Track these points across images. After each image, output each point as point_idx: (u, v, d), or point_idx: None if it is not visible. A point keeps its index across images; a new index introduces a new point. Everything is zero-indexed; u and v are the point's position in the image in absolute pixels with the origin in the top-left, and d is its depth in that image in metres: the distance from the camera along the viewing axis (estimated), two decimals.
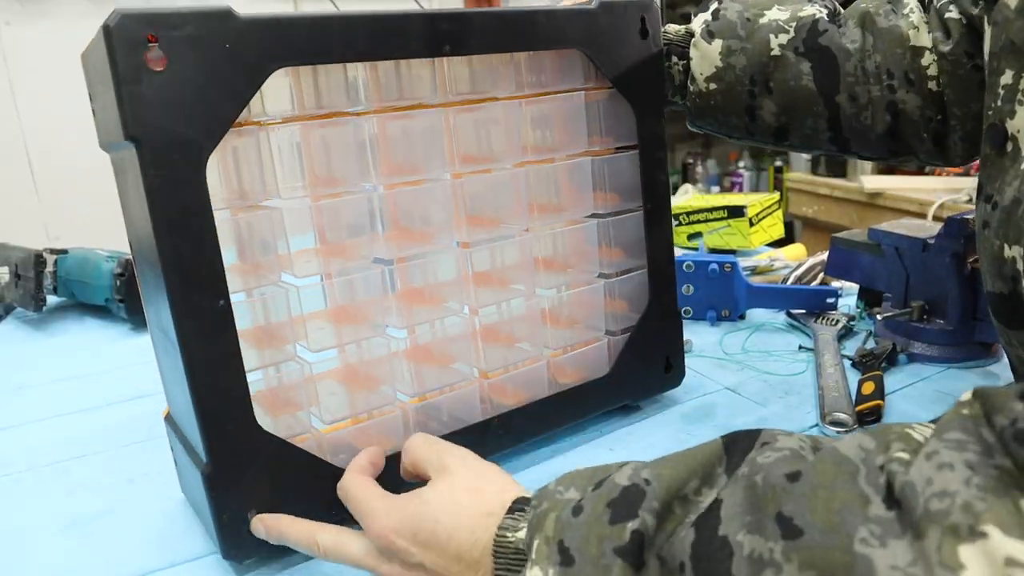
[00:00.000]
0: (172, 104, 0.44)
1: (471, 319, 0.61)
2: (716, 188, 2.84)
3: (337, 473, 0.51)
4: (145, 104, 0.43)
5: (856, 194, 2.03)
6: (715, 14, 0.68)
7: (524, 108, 0.60)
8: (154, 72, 0.43)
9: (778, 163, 2.77)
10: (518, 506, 0.42)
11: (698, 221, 1.17)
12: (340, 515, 0.50)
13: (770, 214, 1.20)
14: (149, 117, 0.43)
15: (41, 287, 0.97)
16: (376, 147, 0.55)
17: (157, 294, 0.48)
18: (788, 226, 2.18)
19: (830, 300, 0.88)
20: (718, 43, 0.67)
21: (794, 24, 0.66)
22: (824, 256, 0.95)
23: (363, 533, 0.45)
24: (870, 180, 2.00)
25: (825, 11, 0.67)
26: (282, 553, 0.52)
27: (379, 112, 0.54)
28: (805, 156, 2.29)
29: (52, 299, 1.03)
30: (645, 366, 0.69)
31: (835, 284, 0.95)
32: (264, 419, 0.51)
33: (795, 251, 1.16)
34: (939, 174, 2.00)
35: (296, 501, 0.51)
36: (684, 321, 0.71)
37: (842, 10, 0.68)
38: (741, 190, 2.78)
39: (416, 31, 0.52)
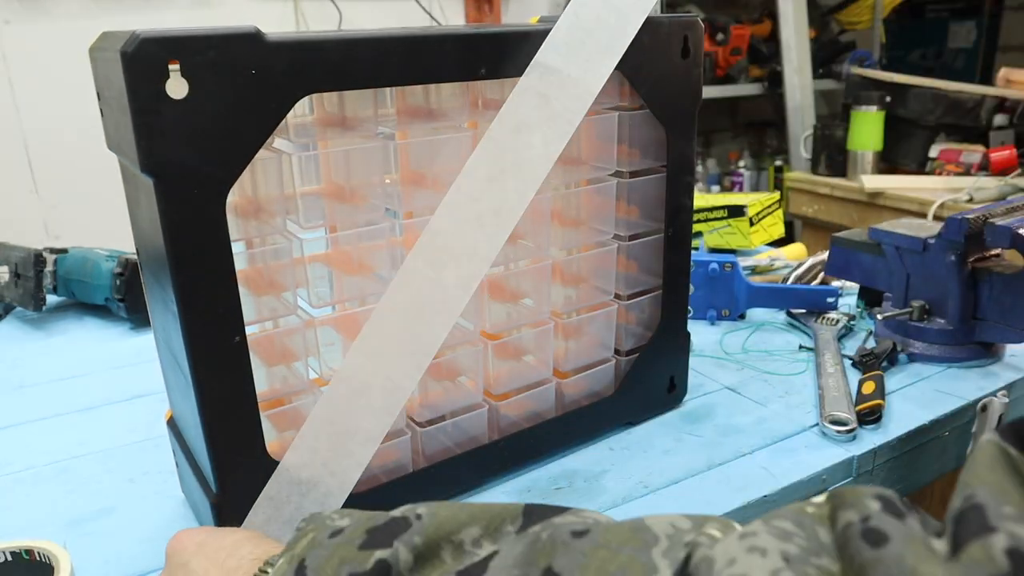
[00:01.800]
0: (193, 135, 0.41)
1: (480, 337, 0.60)
2: (716, 187, 2.84)
3: (347, 500, 0.51)
4: (164, 136, 0.40)
5: (856, 194, 2.03)
6: None
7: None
8: (174, 101, 0.40)
9: (778, 163, 2.77)
10: (292, 542, 0.38)
11: (698, 220, 1.17)
12: None
13: (770, 213, 1.20)
14: (168, 151, 0.41)
15: (41, 286, 0.97)
16: (397, 158, 0.54)
17: (168, 319, 0.47)
18: (788, 226, 2.18)
19: (830, 300, 0.88)
20: None
21: None
22: (824, 256, 0.95)
23: None
24: (870, 180, 1.99)
25: None
26: None
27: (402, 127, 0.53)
28: (805, 155, 2.29)
29: (52, 298, 1.03)
30: (650, 386, 0.69)
31: (835, 284, 0.95)
32: (270, 434, 0.51)
33: (795, 250, 1.16)
34: (939, 174, 2.00)
35: None
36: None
37: None
38: (741, 189, 2.78)
39: (451, 53, 0.49)
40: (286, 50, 0.43)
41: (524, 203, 0.52)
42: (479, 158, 0.51)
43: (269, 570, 0.35)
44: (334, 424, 0.50)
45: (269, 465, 0.49)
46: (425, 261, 0.50)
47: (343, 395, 0.50)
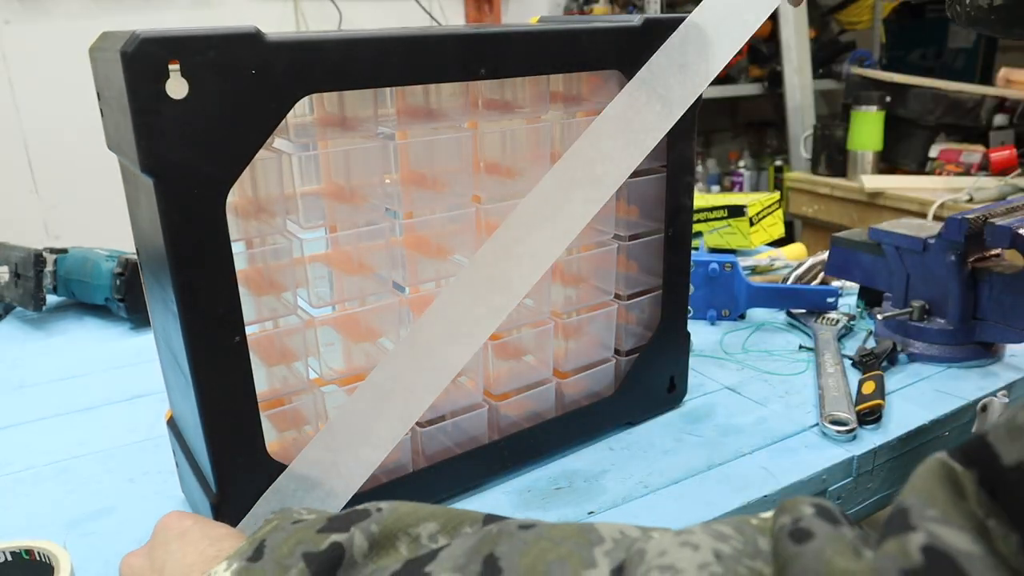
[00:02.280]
0: (193, 135, 0.41)
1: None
2: (716, 187, 2.84)
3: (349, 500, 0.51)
4: (164, 137, 0.40)
5: (856, 194, 2.03)
6: None
7: (555, 125, 0.59)
8: (174, 101, 0.40)
9: (778, 163, 2.77)
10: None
11: (698, 220, 1.17)
12: None
13: (770, 213, 1.20)
14: (168, 151, 0.41)
15: (41, 286, 0.97)
16: (397, 158, 0.54)
17: (168, 319, 0.47)
18: (788, 226, 2.18)
19: (830, 300, 0.88)
20: None
21: None
22: (824, 256, 0.95)
23: None
24: (870, 180, 1.99)
25: None
26: None
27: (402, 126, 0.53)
28: (805, 155, 2.29)
29: (52, 298, 1.03)
30: (650, 386, 0.69)
31: (835, 284, 0.95)
32: (270, 434, 0.51)
33: (795, 251, 1.16)
34: (939, 174, 2.00)
35: None
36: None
37: None
38: (741, 189, 2.78)
39: (451, 54, 0.49)
40: (286, 50, 0.43)
41: (586, 221, 0.54)
42: (564, 163, 0.53)
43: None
44: (352, 428, 0.50)
45: (269, 465, 0.49)
46: (481, 277, 0.52)
47: (368, 401, 0.50)
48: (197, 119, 0.41)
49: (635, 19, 0.56)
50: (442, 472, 0.58)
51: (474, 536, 0.30)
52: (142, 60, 0.38)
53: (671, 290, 0.66)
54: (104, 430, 0.72)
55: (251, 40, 0.42)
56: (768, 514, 0.28)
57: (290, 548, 0.32)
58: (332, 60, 0.44)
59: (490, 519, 0.33)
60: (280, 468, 0.50)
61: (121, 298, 0.95)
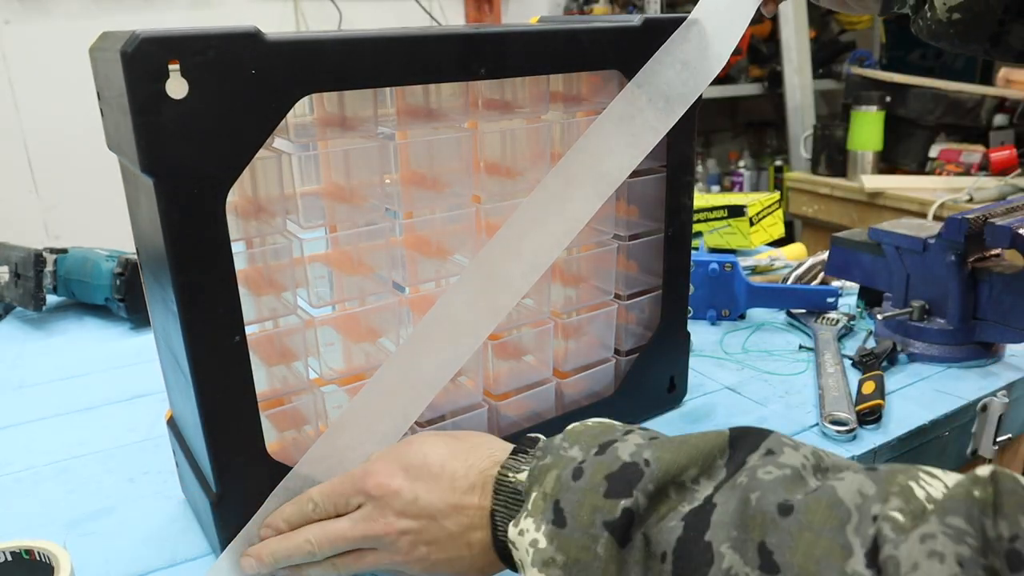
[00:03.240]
0: (192, 135, 0.41)
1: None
2: (716, 187, 2.84)
3: None
4: (164, 136, 0.40)
5: (856, 194, 2.03)
6: None
7: (555, 125, 0.59)
8: (174, 100, 0.40)
9: (778, 163, 2.77)
10: (521, 448, 0.44)
11: (698, 220, 1.17)
12: None
13: (770, 213, 1.20)
14: (167, 151, 0.41)
15: (41, 286, 0.97)
16: (397, 158, 0.54)
17: (168, 318, 0.47)
18: (788, 226, 2.18)
19: (830, 300, 0.88)
20: None
21: None
22: (824, 256, 0.95)
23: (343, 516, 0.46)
24: (870, 180, 1.99)
25: None
26: None
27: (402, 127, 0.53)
28: (805, 155, 2.29)
29: (52, 298, 1.03)
30: (650, 386, 0.69)
31: (835, 284, 0.95)
32: (270, 434, 0.51)
33: (795, 250, 1.16)
34: (939, 174, 2.00)
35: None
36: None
37: None
38: (741, 189, 2.78)
39: (451, 54, 0.49)
40: (286, 50, 0.43)
41: (584, 221, 0.56)
42: (566, 163, 0.54)
43: (511, 476, 0.42)
44: (357, 426, 0.51)
45: (269, 464, 0.49)
46: (481, 277, 0.53)
47: (372, 399, 0.51)
48: (197, 119, 0.41)
49: (635, 19, 0.56)
50: None
51: (735, 497, 0.34)
52: (142, 60, 0.38)
53: (671, 290, 0.66)
54: (104, 430, 0.72)
55: (251, 40, 0.41)
56: (984, 474, 0.30)
57: (589, 516, 0.37)
58: (332, 60, 0.44)
59: (735, 447, 0.37)
60: (279, 467, 0.50)
61: (121, 298, 0.95)
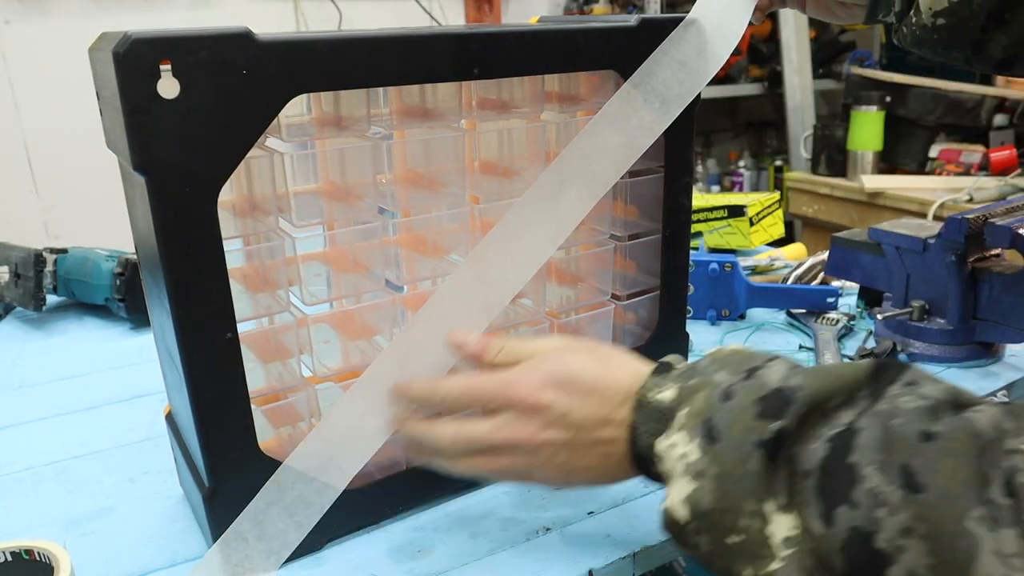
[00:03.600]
0: (184, 135, 0.41)
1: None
2: (716, 187, 2.84)
3: (341, 497, 0.51)
4: (156, 135, 0.41)
5: (856, 194, 2.03)
6: None
7: (553, 125, 0.59)
8: (166, 100, 0.40)
9: (778, 163, 2.77)
10: (662, 369, 0.46)
11: (698, 220, 1.17)
12: (346, 530, 0.50)
13: (770, 213, 1.20)
14: (160, 149, 0.41)
15: (41, 286, 0.97)
16: (392, 158, 0.54)
17: (164, 316, 0.47)
18: (788, 226, 2.18)
19: (830, 300, 0.88)
20: None
21: None
22: (824, 256, 0.95)
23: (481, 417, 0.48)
24: (870, 180, 1.99)
25: None
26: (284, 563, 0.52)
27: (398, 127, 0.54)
28: (805, 155, 2.29)
29: (52, 298, 1.03)
30: None
31: (835, 284, 0.95)
32: (266, 430, 0.51)
33: (795, 250, 1.16)
34: (939, 174, 2.00)
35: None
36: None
37: None
38: (741, 189, 2.78)
39: (444, 53, 0.49)
40: (277, 50, 0.43)
41: (583, 214, 0.57)
42: (560, 163, 0.54)
43: (654, 393, 0.44)
44: (348, 422, 0.51)
45: (261, 460, 0.50)
46: (474, 275, 0.53)
47: (364, 396, 0.51)
48: (189, 118, 0.41)
49: (631, 19, 0.56)
50: (436, 470, 0.58)
51: (877, 422, 0.36)
52: (134, 60, 0.39)
53: (669, 291, 0.66)
54: (104, 430, 0.72)
55: (242, 40, 0.42)
56: None
57: (742, 435, 0.39)
58: (323, 60, 0.45)
59: (877, 379, 0.38)
60: (272, 463, 0.50)
61: (121, 298, 0.95)
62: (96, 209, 1.66)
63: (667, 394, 0.44)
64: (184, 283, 0.44)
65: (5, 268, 0.99)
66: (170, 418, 0.59)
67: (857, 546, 0.33)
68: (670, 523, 0.41)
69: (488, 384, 0.48)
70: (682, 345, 0.70)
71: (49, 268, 0.98)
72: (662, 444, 0.42)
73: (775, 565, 0.37)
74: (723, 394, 0.41)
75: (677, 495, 0.41)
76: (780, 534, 0.37)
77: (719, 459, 0.39)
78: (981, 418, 0.34)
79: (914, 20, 0.59)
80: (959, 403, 0.37)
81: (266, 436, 0.51)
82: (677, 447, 0.41)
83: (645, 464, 0.45)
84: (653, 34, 0.56)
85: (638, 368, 0.48)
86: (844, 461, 0.35)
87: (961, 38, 0.59)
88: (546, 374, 0.47)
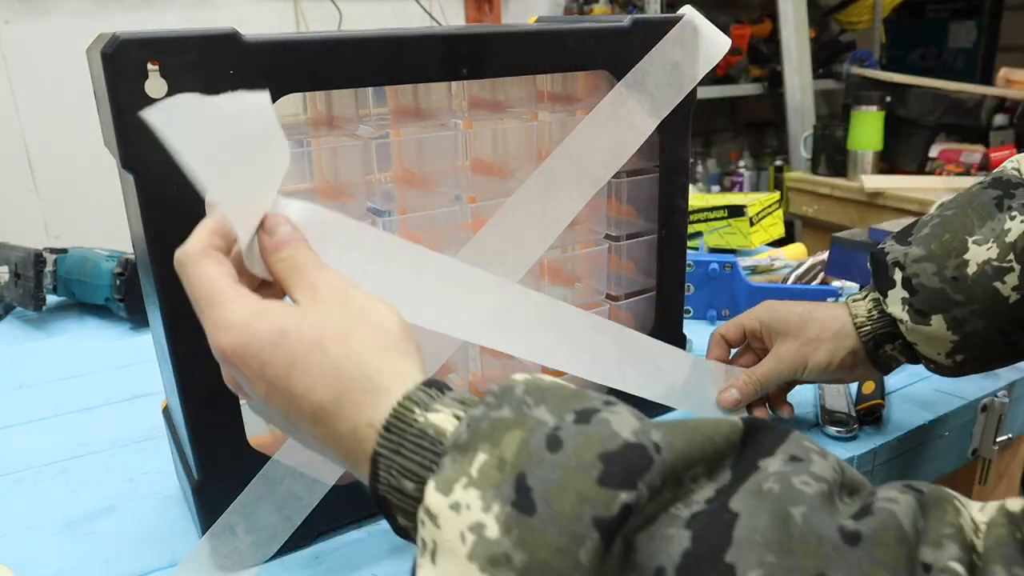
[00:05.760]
0: None
1: None
2: (716, 187, 2.84)
3: (329, 492, 0.52)
4: (143, 135, 0.39)
5: (857, 194, 2.03)
6: (909, 286, 0.55)
7: (548, 125, 0.59)
8: (154, 100, 0.40)
9: (778, 163, 2.77)
10: (438, 385, 0.33)
11: (698, 220, 1.17)
12: (336, 525, 0.50)
13: (770, 213, 1.20)
14: (147, 149, 0.41)
15: (41, 286, 0.97)
16: (388, 156, 0.55)
17: (155, 312, 0.48)
18: (788, 226, 2.18)
19: (830, 300, 0.88)
20: (938, 320, 0.54)
21: (1011, 256, 0.52)
22: (824, 255, 0.95)
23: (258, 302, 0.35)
24: (870, 180, 1.99)
25: None
26: (272, 557, 0.52)
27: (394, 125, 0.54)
28: (805, 155, 2.29)
29: (52, 298, 1.03)
30: None
31: (835, 284, 0.95)
32: (259, 424, 0.51)
33: (795, 250, 1.16)
34: (940, 174, 2.00)
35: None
36: (684, 320, 0.71)
37: None
38: (741, 189, 2.78)
39: (432, 54, 0.49)
40: (264, 51, 0.44)
41: (578, 207, 0.56)
42: (551, 162, 0.54)
43: (417, 414, 0.31)
44: None
45: (251, 454, 0.50)
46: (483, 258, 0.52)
47: None
48: None
49: (624, 20, 0.56)
50: None
51: (764, 508, 0.26)
52: (121, 60, 0.40)
53: (665, 291, 0.66)
54: (104, 430, 0.72)
55: (229, 41, 0.42)
56: (1016, 506, 0.27)
57: (573, 507, 0.26)
58: (310, 61, 0.45)
59: (746, 446, 0.30)
60: (261, 458, 0.50)
61: (121, 298, 0.95)
62: (96, 209, 1.66)
63: (440, 419, 0.30)
64: (172, 279, 0.44)
65: (5, 268, 0.99)
66: (166, 412, 0.59)
67: None
68: None
69: (200, 303, 0.35)
70: (680, 346, 0.70)
71: (49, 268, 0.98)
72: (438, 499, 0.28)
73: None
74: (548, 440, 0.28)
75: None
76: None
77: (533, 542, 0.26)
78: (901, 512, 0.26)
79: (934, 365, 0.58)
80: (845, 482, 0.29)
81: (259, 432, 0.51)
82: (466, 512, 0.27)
83: (385, 507, 0.31)
84: (646, 35, 0.56)
85: (409, 349, 0.34)
86: (719, 560, 0.25)
87: (993, 358, 0.56)
88: (248, 344, 0.33)
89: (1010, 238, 0.52)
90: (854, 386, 0.72)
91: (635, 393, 0.57)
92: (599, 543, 0.26)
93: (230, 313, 0.34)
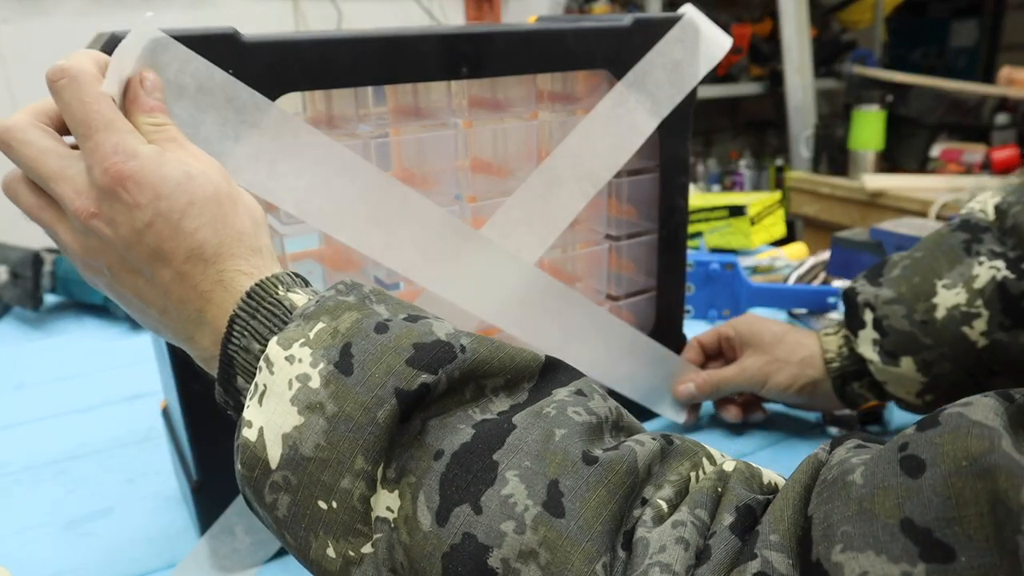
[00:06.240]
0: None
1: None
2: (717, 187, 2.84)
3: None
4: None
5: (858, 193, 2.02)
6: (880, 328, 0.57)
7: (548, 125, 0.59)
8: None
9: (779, 162, 2.77)
10: (304, 279, 0.37)
11: (699, 220, 1.16)
12: None
13: (771, 213, 1.20)
14: None
15: (39, 286, 0.97)
16: (387, 155, 0.54)
17: None
18: (789, 225, 2.17)
19: (831, 300, 0.88)
20: (908, 361, 0.56)
21: (979, 302, 0.53)
22: (825, 255, 0.95)
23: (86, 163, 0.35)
24: (871, 179, 1.99)
25: (1002, 262, 0.53)
26: (272, 557, 0.52)
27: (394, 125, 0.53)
28: (806, 155, 2.29)
29: (50, 298, 1.03)
30: None
31: (836, 283, 0.95)
32: None
33: (796, 250, 1.16)
34: (940, 173, 2.00)
35: None
36: (684, 320, 0.71)
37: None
38: (742, 189, 2.77)
39: (432, 53, 0.49)
40: (263, 50, 0.43)
41: (580, 206, 0.57)
42: (551, 162, 0.54)
43: (279, 291, 0.35)
44: None
45: None
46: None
47: None
48: (174, 117, 0.41)
49: (625, 19, 0.56)
50: None
51: (539, 426, 0.31)
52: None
53: (665, 291, 0.66)
54: (103, 430, 0.72)
55: (228, 40, 0.42)
56: (729, 466, 0.31)
57: (382, 376, 0.31)
58: (309, 60, 0.45)
59: (544, 378, 0.34)
60: None
61: None
62: None
63: (298, 298, 0.35)
64: None
65: (3, 268, 0.98)
66: (165, 413, 0.59)
67: (465, 557, 0.28)
68: (249, 462, 0.32)
69: (90, 121, 0.35)
70: (679, 346, 0.70)
71: (47, 268, 0.98)
72: (277, 351, 0.32)
73: (368, 549, 0.31)
74: (377, 325, 0.33)
75: (274, 427, 0.31)
76: (378, 510, 0.31)
77: (344, 396, 0.31)
78: (641, 453, 0.31)
79: (905, 404, 0.60)
80: (621, 425, 0.34)
81: None
82: (296, 364, 0.32)
83: (229, 367, 0.34)
84: (646, 34, 0.56)
85: (268, 245, 0.37)
86: (488, 456, 0.30)
87: (963, 394, 0.55)
88: (144, 166, 0.34)
89: (978, 284, 0.53)
90: None
91: (574, 363, 0.59)
92: (396, 409, 0.30)
93: (136, 142, 0.35)
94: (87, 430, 0.72)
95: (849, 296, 0.60)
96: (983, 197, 0.58)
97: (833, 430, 0.65)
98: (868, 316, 0.58)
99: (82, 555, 0.54)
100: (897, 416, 0.68)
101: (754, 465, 0.32)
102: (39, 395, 0.80)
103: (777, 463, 0.62)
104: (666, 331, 0.67)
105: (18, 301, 0.98)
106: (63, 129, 0.37)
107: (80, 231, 0.36)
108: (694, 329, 0.82)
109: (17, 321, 1.01)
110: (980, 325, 0.53)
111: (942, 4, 2.98)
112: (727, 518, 0.28)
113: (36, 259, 0.97)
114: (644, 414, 0.68)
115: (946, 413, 0.26)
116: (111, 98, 0.36)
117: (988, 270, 0.53)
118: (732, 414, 0.67)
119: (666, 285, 0.66)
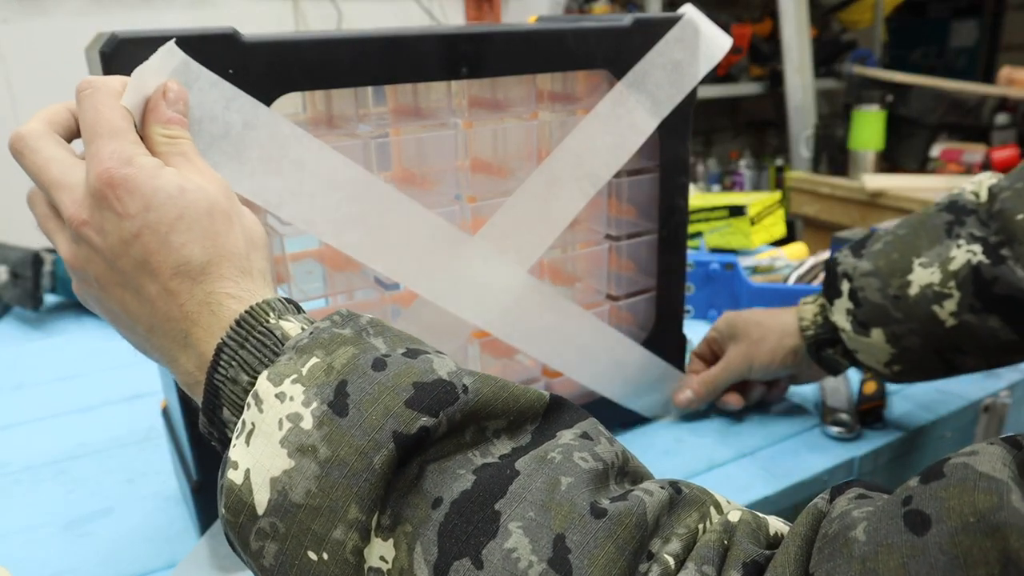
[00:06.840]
0: None
1: (470, 334, 0.60)
2: (717, 187, 2.84)
3: None
4: None
5: (858, 193, 2.02)
6: (855, 298, 0.58)
7: (548, 125, 0.59)
8: None
9: (779, 162, 2.77)
10: (297, 305, 0.36)
11: (699, 220, 1.16)
12: None
13: (771, 213, 1.20)
14: None
15: (39, 286, 0.97)
16: (387, 155, 0.54)
17: None
18: (789, 225, 2.17)
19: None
20: (878, 332, 0.58)
21: (952, 283, 0.54)
22: (826, 255, 0.95)
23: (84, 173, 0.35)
24: (872, 179, 1.99)
25: (979, 246, 0.54)
26: None
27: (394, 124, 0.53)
28: (806, 155, 2.29)
29: (50, 298, 1.03)
30: None
31: None
32: None
33: (796, 250, 1.16)
34: (940, 173, 2.00)
35: None
36: (684, 320, 0.71)
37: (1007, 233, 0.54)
38: (742, 189, 2.77)
39: (431, 53, 0.49)
40: (262, 50, 0.43)
41: (581, 204, 0.57)
42: (551, 162, 0.55)
43: (271, 319, 0.33)
44: None
45: None
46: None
47: None
48: None
49: (624, 19, 0.56)
50: None
51: (543, 473, 0.29)
52: (120, 60, 0.40)
53: (665, 291, 0.66)
54: (103, 430, 0.72)
55: (228, 40, 0.42)
56: (735, 517, 0.30)
57: (379, 418, 0.29)
58: (309, 60, 0.45)
59: (548, 419, 0.33)
60: None
61: None
62: None
63: (290, 327, 0.33)
64: None
65: (3, 268, 0.98)
66: (165, 413, 0.59)
67: None
68: (233, 507, 0.30)
69: (91, 129, 0.36)
70: (679, 346, 0.70)
71: (47, 268, 0.98)
72: (267, 387, 0.30)
73: None
74: (375, 362, 0.31)
75: (261, 470, 0.29)
76: (371, 561, 0.29)
77: (338, 439, 0.29)
78: (650, 504, 0.29)
79: (871, 374, 0.62)
80: (626, 470, 0.32)
81: None
82: (288, 402, 0.30)
83: (215, 398, 0.33)
84: (646, 34, 0.56)
85: (248, 293, 0.35)
86: (489, 505, 0.28)
87: (930, 370, 0.59)
88: (134, 175, 0.34)
89: (953, 267, 0.55)
90: (856, 386, 0.71)
91: (565, 370, 0.59)
92: (393, 454, 0.29)
93: (136, 151, 0.35)
94: (87, 430, 0.72)
95: (830, 266, 0.61)
96: (980, 178, 0.59)
97: (833, 430, 0.65)
98: (845, 286, 0.59)
99: (82, 555, 0.54)
100: (897, 416, 0.68)
101: (760, 515, 0.31)
102: (39, 395, 0.80)
103: (777, 463, 0.62)
104: (666, 331, 0.67)
105: (18, 301, 0.98)
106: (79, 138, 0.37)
107: (73, 239, 0.36)
108: (694, 329, 0.82)
109: (17, 321, 1.01)
110: (950, 306, 0.55)
111: (942, 4, 2.98)
112: (734, 575, 0.27)
113: (36, 259, 0.97)
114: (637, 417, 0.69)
115: (951, 464, 0.25)
116: (126, 110, 0.36)
117: (965, 253, 0.54)
118: (733, 401, 0.68)
119: (666, 285, 0.66)
